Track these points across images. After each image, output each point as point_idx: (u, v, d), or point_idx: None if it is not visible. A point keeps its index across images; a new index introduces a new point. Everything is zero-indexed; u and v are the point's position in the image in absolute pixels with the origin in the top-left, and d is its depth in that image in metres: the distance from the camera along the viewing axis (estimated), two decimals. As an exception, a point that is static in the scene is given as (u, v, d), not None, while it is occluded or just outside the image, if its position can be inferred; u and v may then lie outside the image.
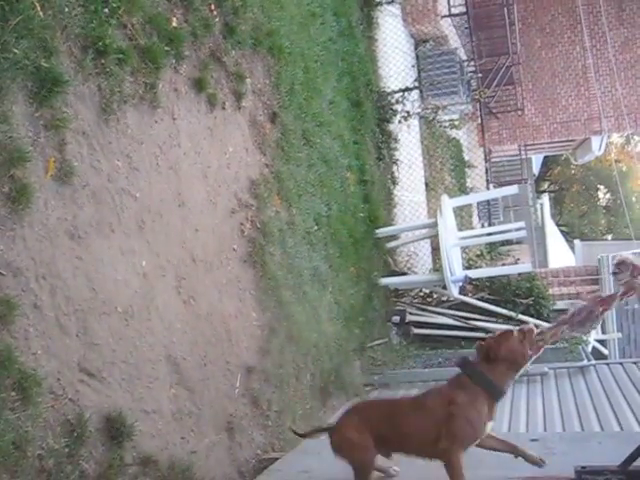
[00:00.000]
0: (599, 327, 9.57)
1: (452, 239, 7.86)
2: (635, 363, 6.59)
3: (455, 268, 7.69)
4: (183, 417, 3.87)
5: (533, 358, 3.31)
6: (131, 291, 3.61)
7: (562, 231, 28.51)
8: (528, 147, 19.58)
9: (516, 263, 10.19)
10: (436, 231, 7.65)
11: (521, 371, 3.33)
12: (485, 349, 3.29)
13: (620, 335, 10.55)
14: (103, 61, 3.50)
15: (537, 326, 3.40)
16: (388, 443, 3.41)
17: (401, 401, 3.64)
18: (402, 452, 3.42)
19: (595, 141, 18.61)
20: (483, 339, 3.44)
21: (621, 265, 3.28)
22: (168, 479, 3.59)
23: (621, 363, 6.72)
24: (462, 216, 13.57)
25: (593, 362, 6.83)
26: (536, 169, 26.18)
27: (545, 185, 35.21)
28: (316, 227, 6.15)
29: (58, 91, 3.15)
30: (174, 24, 4.27)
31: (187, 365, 3.98)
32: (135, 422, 3.42)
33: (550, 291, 10.01)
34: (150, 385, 3.65)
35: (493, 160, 19.64)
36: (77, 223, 3.26)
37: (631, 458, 3.07)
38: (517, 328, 3.34)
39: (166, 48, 4.11)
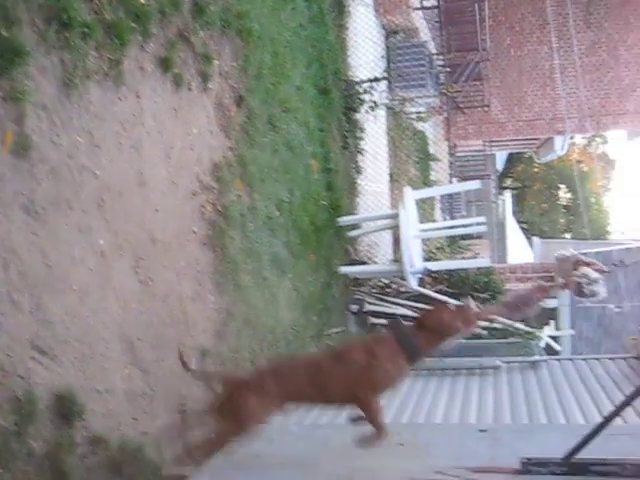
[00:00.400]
0: (553, 324, 9.77)
1: (413, 231, 7.92)
2: (585, 360, 6.72)
3: (415, 260, 7.76)
4: (136, 398, 3.85)
5: (464, 333, 3.42)
6: (87, 269, 3.57)
7: (522, 228, 28.93)
8: (493, 143, 19.78)
9: (475, 257, 10.33)
10: (397, 222, 7.69)
11: (448, 342, 3.46)
12: (423, 322, 3.43)
13: (573, 332, 10.78)
14: (67, 34, 3.43)
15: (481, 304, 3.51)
16: (300, 398, 3.48)
17: (320, 356, 3.68)
18: (315, 403, 3.58)
19: (558, 141, 18.90)
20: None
21: (564, 259, 3.40)
22: (118, 459, 3.58)
23: (571, 359, 6.84)
24: (424, 209, 13.65)
25: (545, 358, 6.95)
26: (500, 165, 26.51)
27: (508, 182, 35.64)
28: (278, 213, 6.15)
29: (19, 62, 3.09)
30: (142, 0, 4.20)
31: (141, 346, 3.96)
32: (86, 401, 3.40)
33: (507, 286, 10.15)
34: (103, 364, 3.62)
35: (458, 154, 19.82)
36: (34, 198, 3.21)
37: (574, 451, 3.14)
38: (456, 303, 3.44)
39: (133, 25, 4.05)
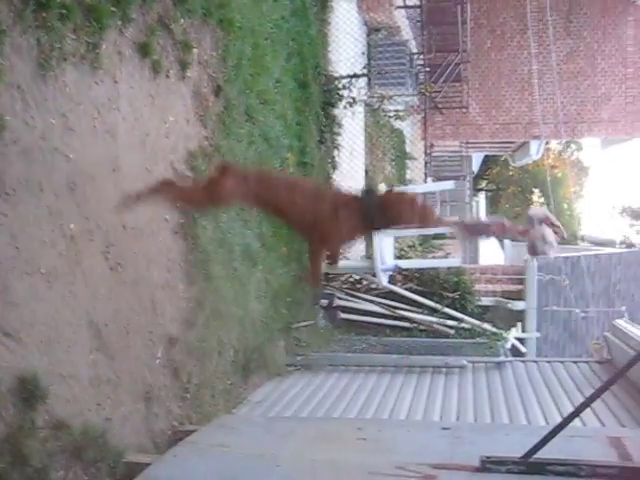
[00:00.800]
0: (519, 326, 9.88)
1: (386, 228, 7.95)
2: (549, 362, 6.83)
3: (386, 257, 7.81)
4: (101, 384, 3.83)
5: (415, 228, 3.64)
6: (56, 253, 3.54)
7: (495, 230, 29.13)
8: (469, 145, 19.92)
9: (446, 257, 10.41)
10: (370, 219, 7.71)
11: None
12: (387, 201, 3.51)
13: (538, 335, 10.91)
14: (44, 14, 3.39)
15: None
16: (268, 207, 3.72)
17: (304, 185, 3.84)
18: (276, 219, 3.89)
19: (533, 145, 19.08)
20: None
21: (537, 212, 3.51)
22: (80, 444, 3.56)
23: (536, 361, 6.95)
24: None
25: (510, 359, 7.05)
26: (476, 167, 26.67)
27: (483, 184, 35.91)
28: (251, 204, 6.14)
29: (-7, 40, 3.06)
30: (123, -15, 4.17)
31: (109, 332, 3.94)
32: (50, 385, 3.38)
33: (477, 287, 10.26)
34: (69, 349, 3.60)
35: (434, 154, 19.90)
36: (5, 179, 3.17)
37: (533, 450, 3.20)
38: (423, 201, 3.55)
39: (112, 9, 4.01)
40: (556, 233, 3.55)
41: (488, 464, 3.30)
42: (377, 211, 3.47)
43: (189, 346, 4.84)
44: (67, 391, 3.54)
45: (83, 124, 3.80)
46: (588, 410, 4.99)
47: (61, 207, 3.58)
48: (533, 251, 3.56)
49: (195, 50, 5.19)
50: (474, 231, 3.63)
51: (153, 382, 4.38)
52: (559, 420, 4.42)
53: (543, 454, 3.21)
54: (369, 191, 3.59)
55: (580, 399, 5.39)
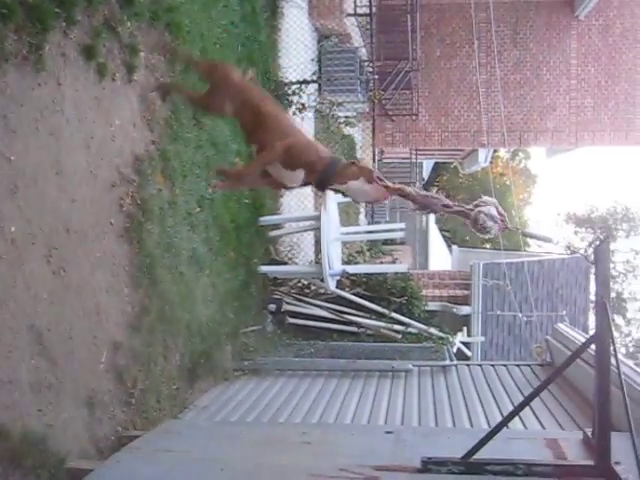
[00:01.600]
0: (465, 330, 10.06)
1: (333, 233, 8.02)
2: (493, 365, 6.97)
3: (334, 262, 7.86)
4: (42, 389, 3.78)
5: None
6: (-4, 256, 3.49)
7: (445, 236, 29.58)
8: (419, 152, 20.17)
9: (394, 263, 10.53)
10: (319, 224, 7.77)
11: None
12: (346, 170, 3.79)
13: (483, 339, 11.13)
14: (-17, 14, 3.36)
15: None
16: (236, 109, 4.03)
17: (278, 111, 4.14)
18: (237, 119, 4.14)
19: (482, 153, 19.42)
20: None
21: (489, 201, 3.64)
22: (19, 451, 3.51)
23: (480, 365, 7.08)
24: (349, 213, 13.81)
25: (455, 362, 7.17)
26: (426, 174, 27.01)
27: (434, 190, 36.33)
28: (198, 209, 6.13)
29: None
30: (67, -14, 4.13)
31: (51, 337, 3.89)
32: (-12, 391, 3.33)
33: (424, 292, 10.40)
34: (9, 354, 3.54)
35: (385, 161, 20.11)
36: (-58, 181, 3.12)
37: (472, 451, 3.28)
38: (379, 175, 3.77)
39: (56, 10, 3.97)
40: (502, 221, 3.67)
41: (429, 465, 3.37)
42: (333, 177, 3.79)
43: (134, 351, 4.80)
44: (6, 397, 3.48)
45: (25, 126, 3.75)
46: (530, 414, 5.12)
47: (1, 210, 3.53)
48: (474, 224, 3.65)
49: (142, 54, 5.16)
50: (424, 204, 3.74)
51: (97, 387, 4.33)
52: (500, 422, 4.52)
53: (483, 455, 3.30)
54: (336, 161, 3.86)
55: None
